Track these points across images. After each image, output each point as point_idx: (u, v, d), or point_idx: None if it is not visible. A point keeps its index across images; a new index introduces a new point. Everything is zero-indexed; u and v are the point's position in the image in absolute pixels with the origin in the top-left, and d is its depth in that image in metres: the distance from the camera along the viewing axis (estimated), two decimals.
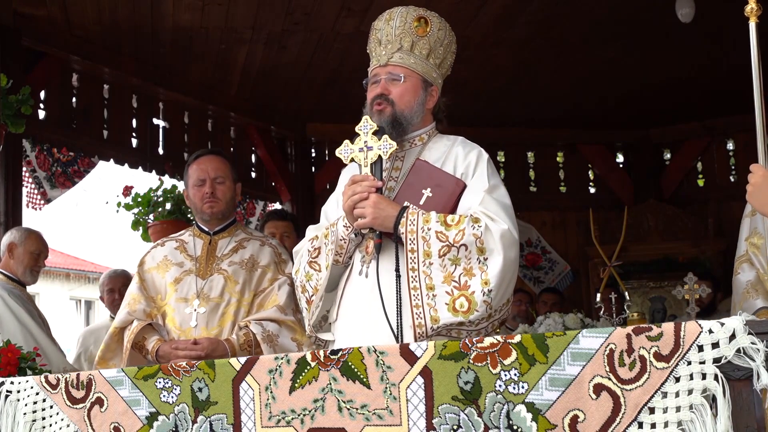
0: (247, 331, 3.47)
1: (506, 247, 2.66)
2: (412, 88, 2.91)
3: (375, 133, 2.82)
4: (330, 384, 2.20)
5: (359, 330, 2.79)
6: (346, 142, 2.87)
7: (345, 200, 2.82)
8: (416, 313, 2.66)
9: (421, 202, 2.80)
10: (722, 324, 1.79)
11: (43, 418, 2.73)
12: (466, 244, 2.65)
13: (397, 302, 2.71)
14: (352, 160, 2.85)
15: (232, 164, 3.78)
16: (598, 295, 5.58)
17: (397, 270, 2.73)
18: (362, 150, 2.83)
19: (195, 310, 3.52)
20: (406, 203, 2.79)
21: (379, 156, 2.81)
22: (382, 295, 2.71)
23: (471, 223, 2.68)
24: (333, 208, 3.05)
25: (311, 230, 3.05)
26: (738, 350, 1.76)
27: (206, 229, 3.73)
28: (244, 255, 3.65)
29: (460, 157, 2.89)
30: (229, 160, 3.78)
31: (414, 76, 2.91)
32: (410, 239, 2.70)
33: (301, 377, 2.25)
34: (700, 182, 8.68)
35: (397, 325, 2.70)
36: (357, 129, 2.85)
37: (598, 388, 1.89)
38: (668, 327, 1.84)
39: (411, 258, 2.69)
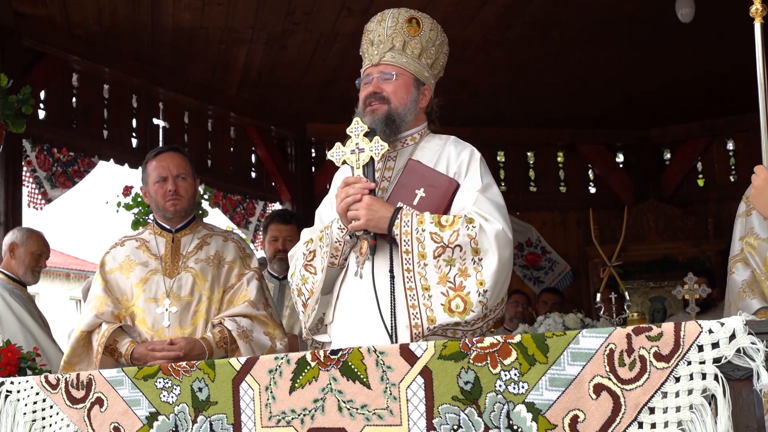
0: (222, 328, 3.43)
1: (501, 247, 2.66)
2: (404, 85, 2.91)
3: (366, 134, 2.81)
4: (330, 384, 2.20)
5: (355, 331, 2.79)
6: (338, 144, 2.85)
7: (338, 202, 2.81)
8: (413, 314, 2.66)
9: (415, 203, 2.79)
10: (722, 324, 1.79)
11: (43, 418, 2.73)
12: (460, 244, 2.65)
13: (391, 303, 2.71)
14: (344, 162, 2.85)
15: (191, 161, 3.70)
16: (598, 295, 5.57)
17: (392, 271, 2.72)
18: (354, 152, 2.82)
19: (167, 309, 3.46)
20: (399, 204, 2.78)
21: (371, 158, 2.80)
22: (378, 295, 2.72)
23: (465, 223, 2.67)
24: (327, 211, 3.03)
25: (306, 233, 3.04)
26: (738, 350, 1.76)
27: (168, 227, 3.64)
28: (209, 251, 3.60)
29: (453, 157, 2.88)
30: (189, 157, 3.71)
31: (406, 75, 2.92)
32: (405, 240, 2.70)
33: (301, 377, 2.25)
34: (700, 182, 8.69)
35: (392, 326, 2.70)
36: (348, 131, 2.84)
37: (598, 388, 1.88)
38: (668, 327, 1.84)
39: (406, 259, 2.70)
